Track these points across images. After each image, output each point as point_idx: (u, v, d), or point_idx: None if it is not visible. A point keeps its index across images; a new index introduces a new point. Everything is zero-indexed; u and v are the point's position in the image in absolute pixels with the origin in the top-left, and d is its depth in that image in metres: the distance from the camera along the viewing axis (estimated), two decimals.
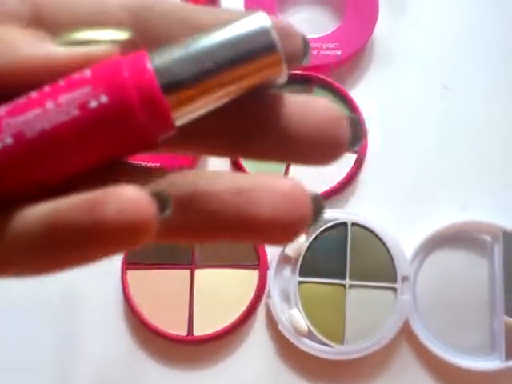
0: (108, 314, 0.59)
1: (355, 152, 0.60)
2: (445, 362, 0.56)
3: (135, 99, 0.16)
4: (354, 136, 0.18)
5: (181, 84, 0.17)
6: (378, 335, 0.56)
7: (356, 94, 0.62)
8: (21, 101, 0.17)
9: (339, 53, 0.61)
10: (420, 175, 0.61)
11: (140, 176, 0.17)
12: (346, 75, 0.63)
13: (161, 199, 0.16)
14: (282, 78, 0.18)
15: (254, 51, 0.17)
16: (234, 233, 0.17)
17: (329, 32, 0.62)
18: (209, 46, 0.17)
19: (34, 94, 0.17)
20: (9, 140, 0.16)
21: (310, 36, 0.62)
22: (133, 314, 0.58)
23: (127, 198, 0.15)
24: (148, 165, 0.19)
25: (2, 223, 0.16)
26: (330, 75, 0.61)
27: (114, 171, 0.18)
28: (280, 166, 0.57)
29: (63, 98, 0.16)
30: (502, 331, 0.56)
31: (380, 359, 0.57)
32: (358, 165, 0.60)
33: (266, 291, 0.58)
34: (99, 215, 0.15)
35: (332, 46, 0.61)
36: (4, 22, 0.18)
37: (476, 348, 0.57)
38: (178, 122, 0.17)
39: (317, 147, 0.18)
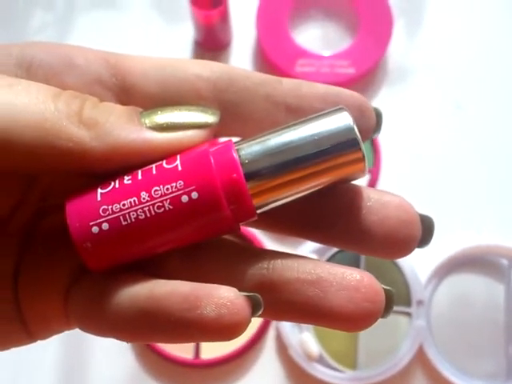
0: None
1: (369, 172, 0.59)
2: None
3: (223, 195, 0.17)
4: (426, 236, 0.19)
5: (264, 176, 0.17)
6: (391, 361, 0.55)
7: None
8: (115, 185, 0.18)
9: (352, 70, 0.60)
10: (434, 196, 0.60)
11: (239, 256, 0.19)
12: (360, 93, 0.61)
13: (254, 302, 0.17)
14: (363, 175, 0.18)
15: (337, 149, 0.17)
16: (305, 318, 0.18)
17: (342, 49, 0.61)
18: (293, 140, 0.18)
19: (127, 180, 0.18)
20: (105, 226, 0.17)
21: (323, 53, 0.61)
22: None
23: (225, 302, 0.17)
24: (244, 244, 0.20)
25: (105, 294, 0.18)
26: None
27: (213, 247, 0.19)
28: None
29: (156, 191, 0.17)
30: None
31: None
32: (372, 185, 0.59)
33: None
34: (198, 315, 0.17)
35: (345, 63, 0.60)
36: (92, 90, 0.19)
37: (491, 374, 0.56)
38: (260, 210, 0.18)
39: (388, 245, 0.19)
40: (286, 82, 0.19)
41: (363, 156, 0.18)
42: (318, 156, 0.17)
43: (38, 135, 0.17)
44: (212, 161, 0.17)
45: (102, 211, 0.17)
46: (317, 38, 0.63)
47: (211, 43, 0.63)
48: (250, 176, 0.17)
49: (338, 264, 0.19)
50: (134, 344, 0.57)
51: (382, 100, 0.62)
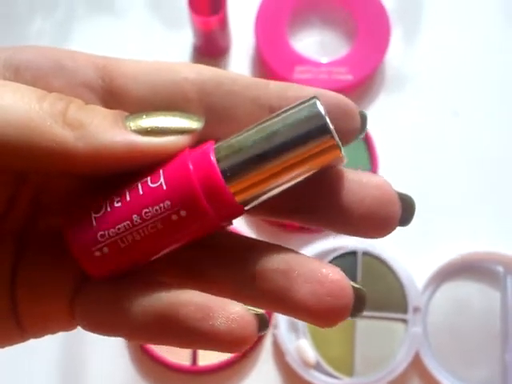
0: (111, 342, 0.57)
1: None
2: None
3: (208, 204, 0.18)
4: (406, 215, 0.19)
5: (244, 173, 0.18)
6: (387, 367, 0.55)
7: None
8: (107, 208, 0.19)
9: (350, 77, 0.60)
10: (431, 203, 0.60)
11: (233, 252, 0.20)
12: (357, 100, 0.62)
13: (261, 320, 0.18)
14: (341, 161, 0.19)
15: (308, 137, 0.18)
16: (274, 307, 0.19)
17: (340, 56, 0.62)
18: (267, 134, 0.18)
19: (117, 202, 0.19)
20: (105, 250, 0.19)
21: (321, 60, 0.61)
22: (136, 343, 0.57)
23: (235, 317, 0.18)
24: (243, 237, 0.21)
25: (124, 298, 0.19)
26: None
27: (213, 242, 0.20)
28: None
29: (147, 213, 0.18)
30: None
31: None
32: None
33: (273, 321, 0.57)
34: (210, 326, 0.18)
35: (343, 70, 0.61)
36: (79, 93, 0.19)
37: (487, 381, 0.56)
38: (248, 206, 0.19)
39: (369, 224, 0.19)
40: (273, 85, 0.19)
41: (337, 142, 0.18)
42: (291, 146, 0.18)
43: (22, 134, 0.17)
44: (192, 170, 0.18)
45: (100, 237, 0.19)
46: (315, 44, 0.63)
47: (210, 49, 0.63)
48: (230, 175, 0.18)
49: (314, 258, 0.19)
50: (131, 350, 0.57)
51: (379, 107, 0.63)
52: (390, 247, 0.57)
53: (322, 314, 0.18)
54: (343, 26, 0.64)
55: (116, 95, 0.19)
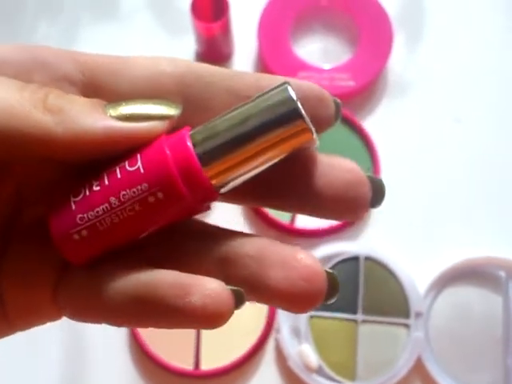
0: (113, 346, 0.58)
1: None
2: None
3: (184, 186, 0.18)
4: (376, 197, 0.20)
5: (219, 157, 0.19)
6: (389, 372, 0.55)
7: (369, 124, 0.61)
8: (86, 192, 0.19)
9: (352, 83, 0.61)
10: (433, 208, 0.60)
11: (205, 237, 0.20)
12: (359, 106, 0.62)
13: (238, 296, 0.18)
14: (313, 143, 0.19)
15: (279, 121, 0.18)
16: (250, 294, 0.19)
17: (342, 62, 0.62)
18: (240, 119, 0.19)
19: (96, 186, 0.19)
20: (84, 232, 0.19)
21: (324, 66, 0.62)
22: (138, 347, 0.57)
23: (210, 293, 0.18)
24: (210, 225, 0.21)
25: (102, 281, 0.19)
26: (343, 106, 0.60)
27: (184, 230, 0.20)
28: None
29: (124, 195, 0.19)
30: None
31: None
32: None
33: (275, 326, 0.57)
34: (186, 303, 0.18)
35: (345, 76, 0.61)
36: (60, 87, 0.20)
37: None
38: (224, 190, 0.19)
39: (340, 206, 0.20)
40: (248, 76, 0.20)
41: (308, 125, 0.18)
42: (264, 130, 0.18)
43: (2, 119, 0.18)
44: (168, 154, 0.19)
45: (79, 220, 0.19)
46: (317, 50, 0.64)
47: (213, 55, 0.63)
48: (206, 159, 0.19)
49: (288, 244, 0.19)
50: (134, 355, 0.58)
51: (381, 113, 0.63)
52: (392, 252, 0.58)
53: (295, 298, 0.19)
54: (345, 33, 0.64)
55: (96, 89, 0.20)
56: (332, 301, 0.19)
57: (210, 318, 0.18)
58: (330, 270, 0.19)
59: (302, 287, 0.18)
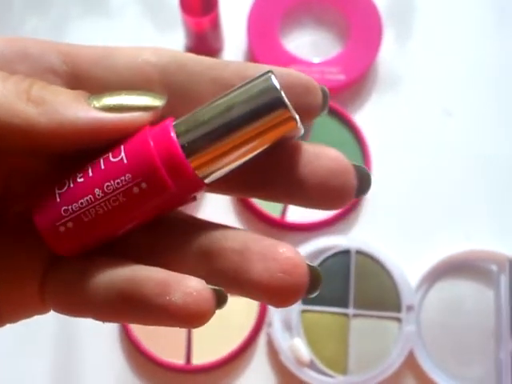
0: (104, 340, 0.57)
1: None
2: None
3: (168, 177, 0.18)
4: (362, 185, 0.20)
5: (203, 147, 0.19)
6: (381, 366, 0.55)
7: (359, 118, 0.61)
8: (70, 184, 0.19)
9: (342, 77, 0.61)
10: (424, 202, 0.60)
11: (190, 230, 0.20)
12: (350, 100, 0.62)
13: (219, 295, 0.18)
14: (298, 132, 0.19)
15: (263, 110, 0.18)
16: (231, 287, 0.19)
17: (332, 56, 0.62)
18: (224, 108, 0.18)
19: (79, 178, 0.19)
20: (70, 224, 0.19)
21: (313, 60, 0.62)
22: (130, 342, 0.57)
23: (191, 292, 0.18)
24: (195, 218, 0.21)
25: (86, 276, 0.19)
26: (334, 99, 0.60)
27: (166, 223, 0.20)
28: None
29: (108, 186, 0.19)
30: (508, 362, 0.55)
31: None
32: None
33: (266, 320, 0.57)
34: (167, 301, 0.18)
35: (335, 70, 0.61)
36: (44, 78, 0.19)
37: (481, 379, 0.56)
38: (208, 180, 0.19)
39: (325, 195, 0.19)
40: (232, 65, 0.20)
41: (292, 114, 0.18)
42: (248, 119, 0.18)
43: None
44: (152, 145, 0.19)
45: (64, 212, 0.19)
46: (307, 44, 0.64)
47: (202, 50, 0.63)
48: (190, 149, 0.18)
49: (270, 238, 0.19)
50: (125, 350, 0.57)
51: (371, 107, 0.63)
52: (384, 246, 0.58)
53: (276, 291, 0.18)
54: (335, 26, 0.64)
55: (80, 80, 0.20)
56: (314, 294, 0.19)
57: (192, 316, 0.18)
58: (313, 265, 0.19)
59: (281, 279, 0.18)
